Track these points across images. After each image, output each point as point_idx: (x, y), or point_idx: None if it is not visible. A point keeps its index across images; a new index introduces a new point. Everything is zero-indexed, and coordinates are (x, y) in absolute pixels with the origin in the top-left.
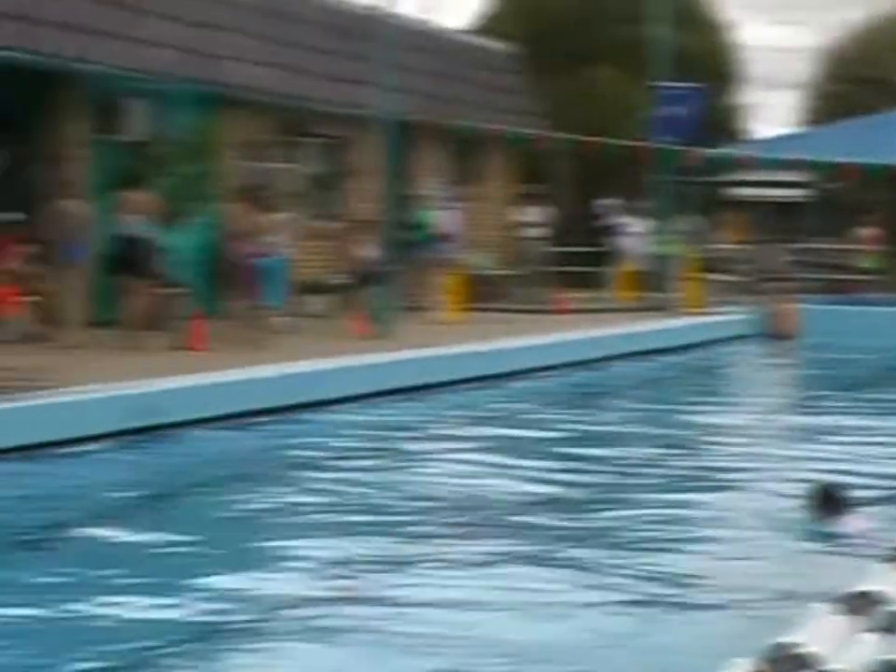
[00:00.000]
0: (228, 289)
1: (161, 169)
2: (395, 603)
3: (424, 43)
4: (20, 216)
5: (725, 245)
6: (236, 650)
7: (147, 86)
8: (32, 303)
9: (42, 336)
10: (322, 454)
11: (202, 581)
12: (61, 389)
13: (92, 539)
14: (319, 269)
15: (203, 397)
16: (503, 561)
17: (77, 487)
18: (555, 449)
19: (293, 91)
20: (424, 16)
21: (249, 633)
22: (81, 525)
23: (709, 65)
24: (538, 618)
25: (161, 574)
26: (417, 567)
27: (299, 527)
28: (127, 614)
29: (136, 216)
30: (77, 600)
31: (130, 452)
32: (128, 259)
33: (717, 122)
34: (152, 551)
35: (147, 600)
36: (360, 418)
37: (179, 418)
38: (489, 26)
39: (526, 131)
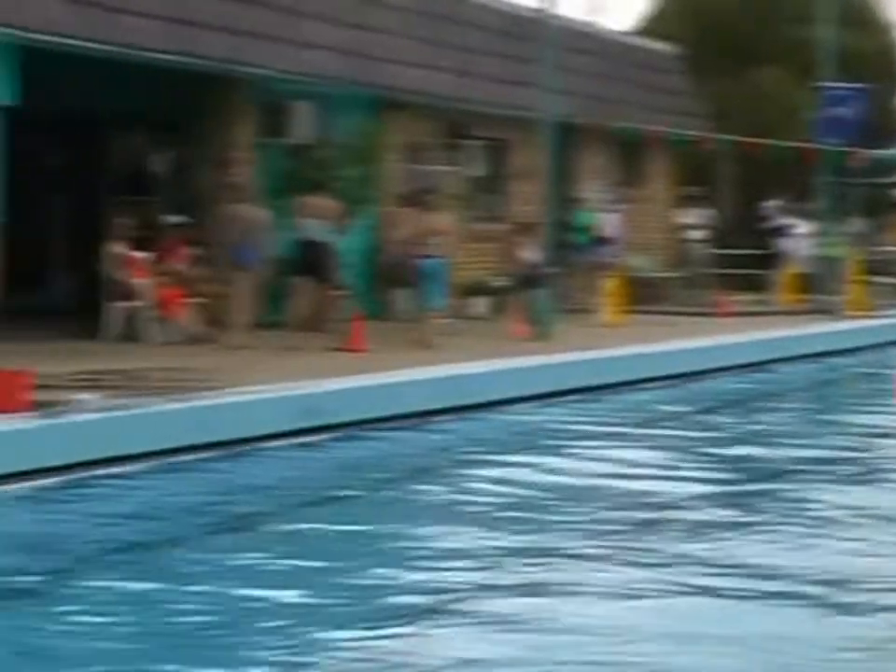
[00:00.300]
0: (389, 291)
1: (324, 172)
2: (560, 594)
3: (587, 44)
4: (186, 218)
5: (891, 248)
6: (408, 636)
7: (311, 89)
8: (197, 305)
9: (207, 337)
10: (488, 453)
11: (377, 571)
12: (227, 390)
13: (275, 533)
14: (481, 271)
15: (371, 397)
16: (666, 557)
17: (253, 485)
18: (720, 450)
19: (455, 94)
20: (588, 18)
21: (424, 621)
22: (261, 520)
23: (878, 66)
24: (692, 614)
25: (338, 565)
26: (585, 562)
27: (469, 522)
28: (305, 601)
29: (316, 219)
30: (251, 587)
31: (302, 451)
32: (307, 263)
33: (886, 123)
34: (330, 544)
35: (328, 591)
36: (526, 419)
37: (347, 418)
38: (653, 27)
39: (690, 132)
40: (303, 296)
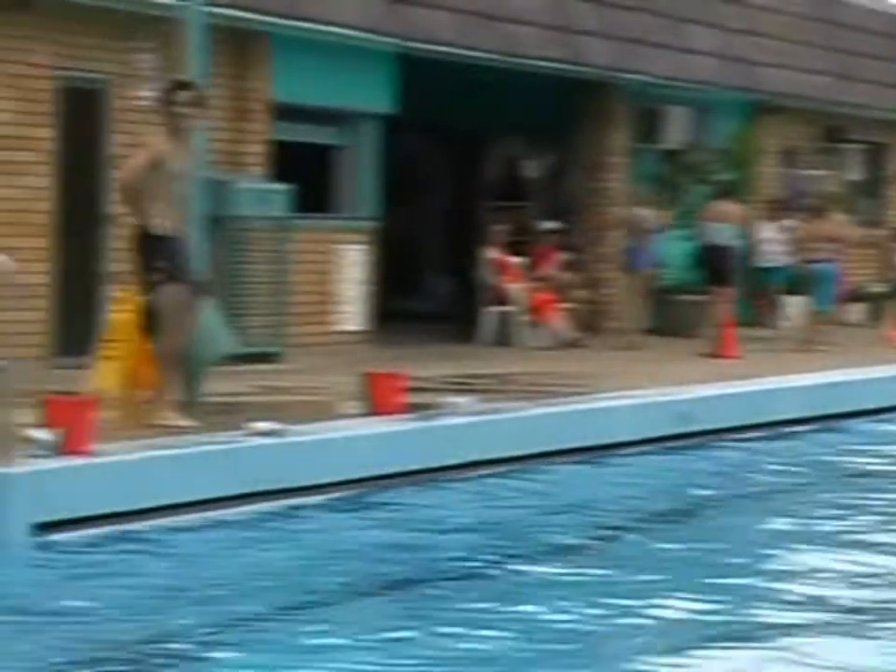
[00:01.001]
0: (756, 296)
1: (696, 177)
2: None
3: None
4: (559, 224)
5: None
6: (758, 648)
7: (687, 94)
8: (570, 310)
9: (579, 342)
10: (865, 462)
11: (734, 582)
12: (595, 395)
13: (636, 543)
14: (859, 276)
15: (744, 404)
16: None
17: (620, 491)
18: None
19: (834, 97)
20: None
21: (776, 634)
22: (624, 529)
23: None
24: None
25: (697, 577)
26: None
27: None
28: (664, 614)
29: (722, 224)
30: (616, 602)
31: (669, 457)
32: (712, 268)
33: None
34: (690, 555)
35: (684, 603)
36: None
37: (719, 425)
38: None
39: None
40: (714, 302)
